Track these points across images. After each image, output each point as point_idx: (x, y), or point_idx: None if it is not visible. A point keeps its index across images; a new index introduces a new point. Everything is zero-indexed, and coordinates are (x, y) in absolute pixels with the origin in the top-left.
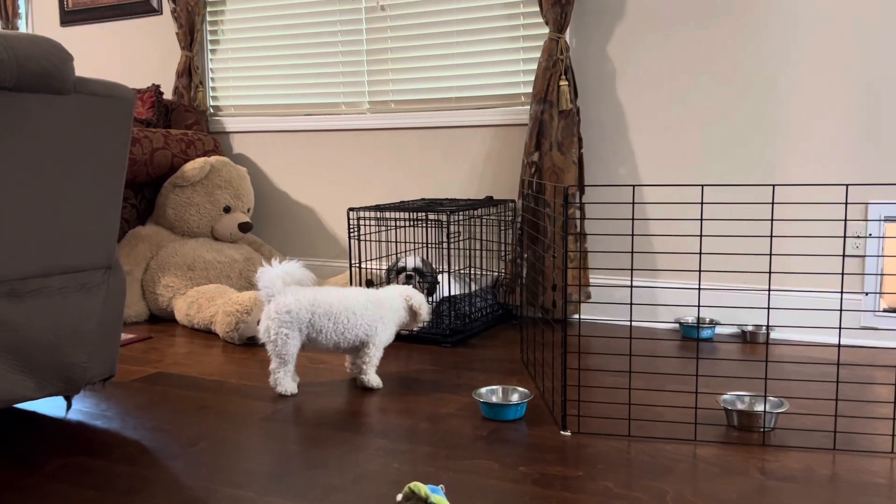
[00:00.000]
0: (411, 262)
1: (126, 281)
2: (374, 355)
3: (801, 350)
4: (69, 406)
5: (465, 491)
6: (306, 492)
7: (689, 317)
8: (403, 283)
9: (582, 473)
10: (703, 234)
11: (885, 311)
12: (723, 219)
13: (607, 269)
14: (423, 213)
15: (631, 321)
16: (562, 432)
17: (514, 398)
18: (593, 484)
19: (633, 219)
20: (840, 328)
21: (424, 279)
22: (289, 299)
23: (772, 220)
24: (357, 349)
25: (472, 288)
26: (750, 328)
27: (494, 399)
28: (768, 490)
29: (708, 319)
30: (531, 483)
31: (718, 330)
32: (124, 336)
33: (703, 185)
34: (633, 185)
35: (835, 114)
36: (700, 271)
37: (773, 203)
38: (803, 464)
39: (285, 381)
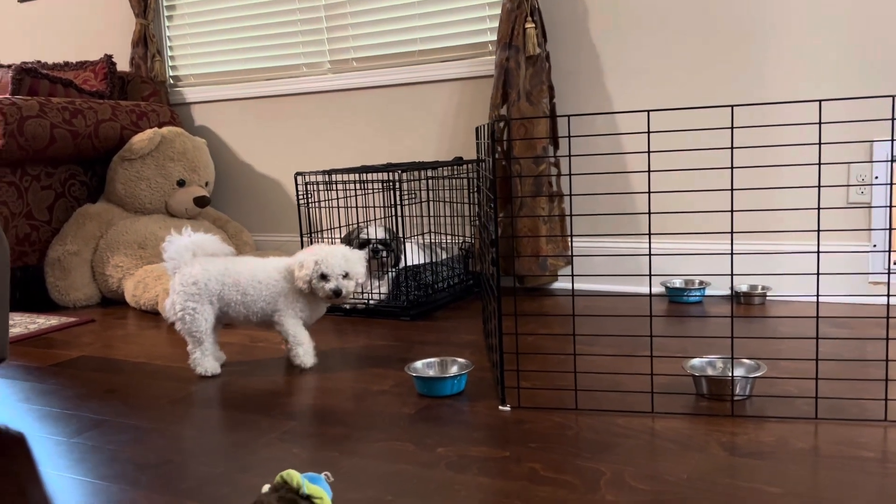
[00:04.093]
0: (376, 232)
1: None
2: (292, 332)
3: (798, 309)
4: None
5: (362, 477)
6: (178, 483)
7: (677, 280)
8: (369, 257)
9: (508, 454)
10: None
11: None
12: (698, 168)
13: (588, 233)
14: (374, 175)
15: (573, 276)
16: (500, 408)
17: (454, 370)
18: (517, 466)
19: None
20: (818, 274)
21: (390, 251)
22: (195, 270)
23: (731, 147)
24: (269, 323)
25: (442, 256)
26: (744, 289)
27: (431, 373)
28: (726, 468)
29: (697, 281)
30: (444, 467)
31: (710, 292)
32: (65, 320)
33: (645, 112)
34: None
35: (831, 50)
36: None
37: (731, 128)
38: (776, 436)
39: (204, 361)
